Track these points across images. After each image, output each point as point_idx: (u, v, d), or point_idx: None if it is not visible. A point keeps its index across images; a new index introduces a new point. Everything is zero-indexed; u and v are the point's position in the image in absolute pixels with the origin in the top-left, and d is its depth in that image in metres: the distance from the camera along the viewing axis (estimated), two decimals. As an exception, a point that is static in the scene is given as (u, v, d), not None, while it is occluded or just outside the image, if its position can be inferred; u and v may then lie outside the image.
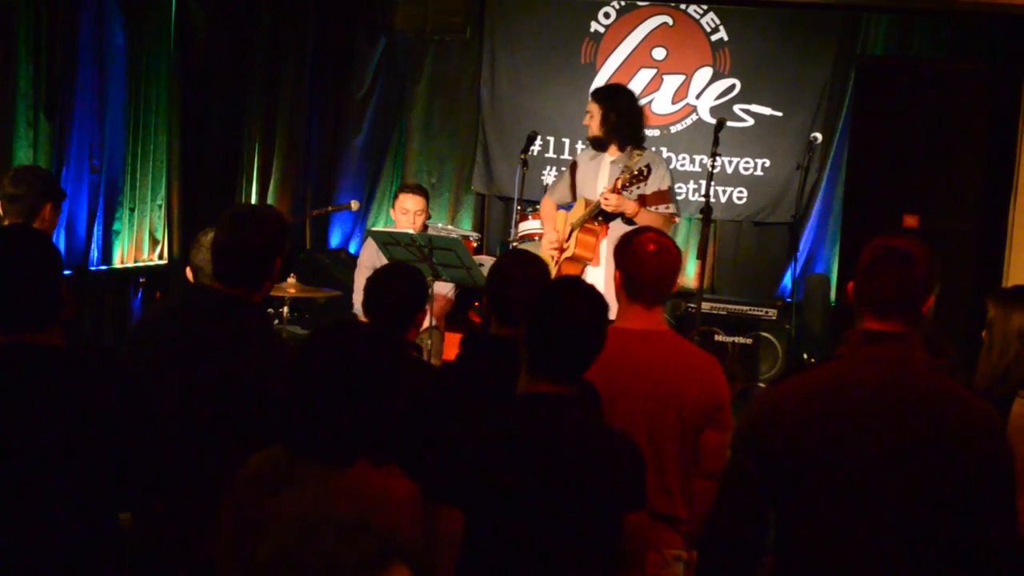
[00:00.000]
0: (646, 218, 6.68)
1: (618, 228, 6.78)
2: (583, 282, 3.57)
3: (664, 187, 6.88)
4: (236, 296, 3.82)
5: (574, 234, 6.92)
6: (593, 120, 6.97)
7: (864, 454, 2.97)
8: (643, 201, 6.79)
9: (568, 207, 7.23)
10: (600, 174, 7.03)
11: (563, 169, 7.47)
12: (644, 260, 4.14)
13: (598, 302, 3.37)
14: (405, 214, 7.45)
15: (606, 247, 6.87)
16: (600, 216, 6.85)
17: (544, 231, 7.28)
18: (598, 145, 7.02)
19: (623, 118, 7.03)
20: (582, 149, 7.26)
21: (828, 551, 3.01)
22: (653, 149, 9.94)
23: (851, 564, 2.99)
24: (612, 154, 7.01)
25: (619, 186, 6.66)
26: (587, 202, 6.96)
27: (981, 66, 8.17)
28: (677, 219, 7.08)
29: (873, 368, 3.05)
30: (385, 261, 6.56)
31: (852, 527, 2.98)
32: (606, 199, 6.68)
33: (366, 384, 2.81)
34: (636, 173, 6.64)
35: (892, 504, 2.96)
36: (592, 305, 3.36)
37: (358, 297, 7.53)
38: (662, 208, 6.85)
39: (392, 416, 2.86)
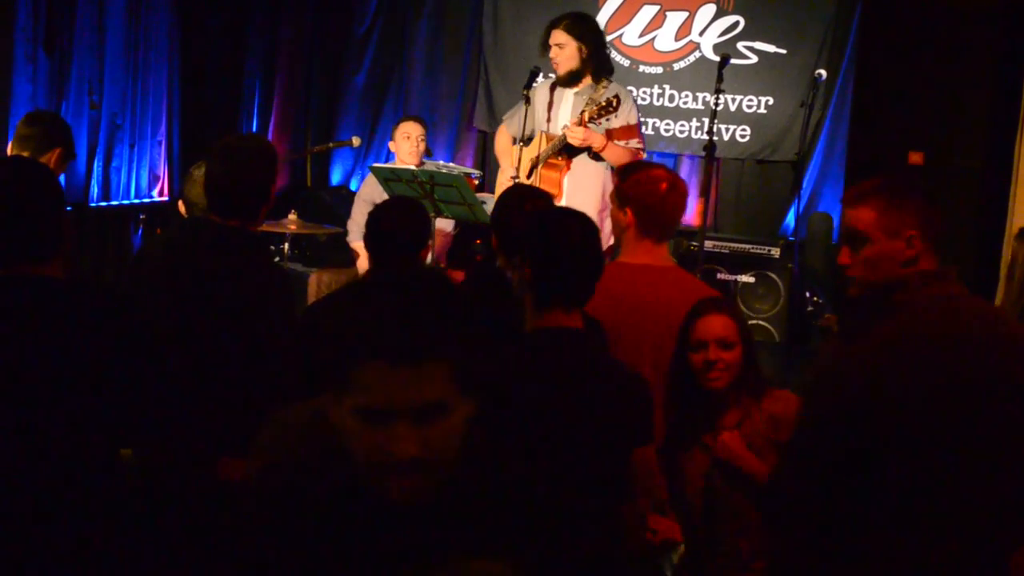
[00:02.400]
0: (614, 152, 6.55)
1: (582, 163, 6.70)
2: (569, 208, 3.57)
3: (632, 121, 6.70)
4: (234, 227, 3.82)
5: (537, 170, 6.75)
6: (565, 52, 6.70)
7: (966, 399, 2.89)
8: (610, 135, 6.60)
9: (527, 141, 6.99)
10: (563, 107, 6.83)
11: (521, 101, 7.17)
12: (661, 197, 4.15)
13: (589, 223, 3.38)
14: (407, 139, 7.45)
15: (568, 183, 6.75)
16: (564, 151, 6.68)
17: (501, 165, 7.12)
18: (570, 80, 6.78)
19: (597, 48, 6.83)
20: (540, 82, 7.03)
21: (924, 502, 2.91)
22: (655, 87, 9.96)
23: (950, 514, 2.90)
24: (577, 86, 6.80)
25: (586, 119, 6.47)
26: (549, 136, 6.78)
27: (989, 2, 8.10)
28: (643, 154, 6.82)
29: (944, 309, 2.98)
30: (385, 196, 6.54)
31: (951, 472, 2.89)
32: (573, 133, 6.49)
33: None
34: (604, 104, 6.44)
35: (988, 444, 2.89)
36: (584, 226, 3.36)
37: (354, 227, 7.53)
38: (631, 143, 6.67)
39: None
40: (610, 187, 6.83)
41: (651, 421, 3.34)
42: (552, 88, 6.87)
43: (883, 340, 2.97)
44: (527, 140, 6.91)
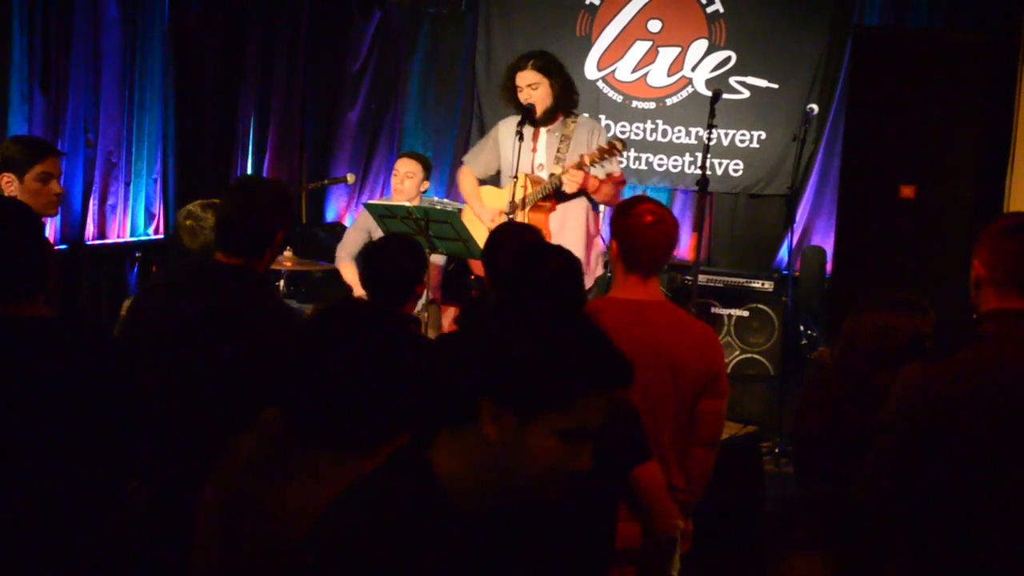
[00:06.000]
0: (604, 191, 6.60)
1: (566, 203, 6.68)
2: (550, 244, 3.59)
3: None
4: (237, 267, 3.81)
5: (524, 212, 6.63)
6: (539, 91, 6.63)
7: None
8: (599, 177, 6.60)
9: (494, 180, 6.96)
10: (537, 146, 6.75)
11: (485, 139, 7.20)
12: (642, 231, 4.13)
13: (569, 259, 3.40)
14: (395, 176, 7.53)
15: (553, 222, 6.68)
16: (555, 194, 6.63)
17: (471, 205, 7.01)
18: (546, 119, 6.71)
19: (567, 85, 6.79)
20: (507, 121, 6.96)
21: (987, 528, 3.03)
22: (648, 122, 10.01)
23: (1007, 545, 3.00)
24: (550, 124, 6.74)
25: (587, 163, 6.44)
26: (534, 179, 6.67)
27: (978, 36, 8.15)
28: (622, 176, 6.86)
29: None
30: (378, 228, 6.59)
31: (1010, 507, 3.00)
32: (572, 177, 6.46)
33: (387, 368, 2.71)
34: (607, 148, 6.44)
35: None
36: (562, 261, 3.39)
37: (343, 252, 7.59)
38: (615, 173, 6.69)
39: (409, 397, 2.81)
40: (592, 222, 6.86)
41: (645, 437, 3.36)
42: (519, 127, 6.77)
43: (954, 364, 3.09)
44: (496, 180, 6.91)
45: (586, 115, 7.58)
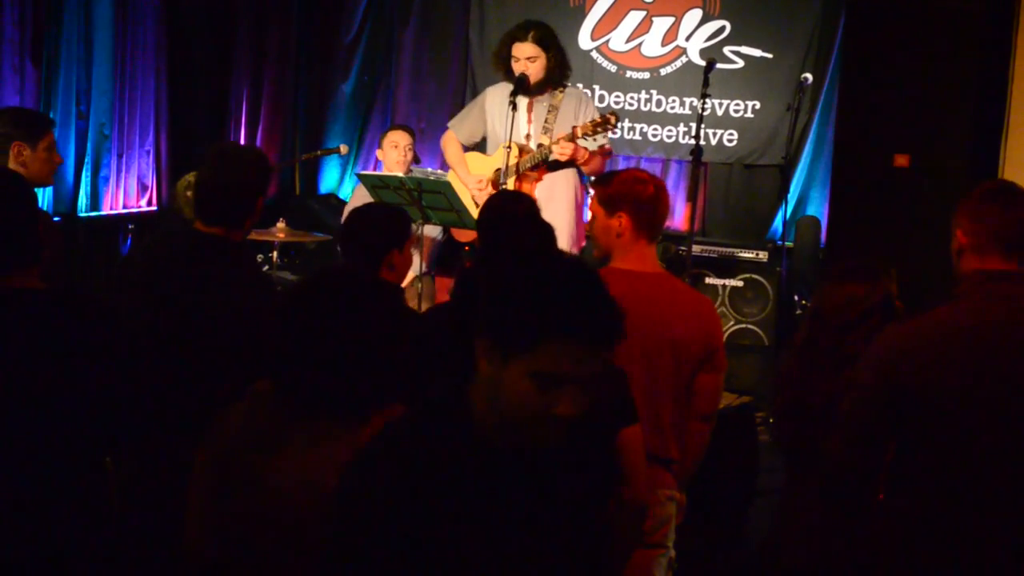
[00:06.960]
0: (594, 163, 6.60)
1: (555, 174, 6.67)
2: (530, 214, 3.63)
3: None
4: (216, 236, 3.79)
5: (511, 181, 6.62)
6: (537, 64, 6.62)
7: (1000, 392, 3.08)
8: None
9: (479, 147, 6.94)
10: (521, 115, 6.68)
11: (472, 105, 7.17)
12: (655, 198, 4.16)
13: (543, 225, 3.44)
14: (395, 148, 7.45)
15: (540, 192, 6.57)
16: (543, 163, 6.61)
17: (456, 171, 7.01)
18: (539, 89, 6.70)
19: (561, 57, 6.78)
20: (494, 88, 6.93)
21: (955, 485, 3.11)
22: (643, 92, 9.98)
23: (978, 500, 3.08)
24: (541, 95, 6.73)
25: (579, 134, 6.43)
26: (522, 148, 6.66)
27: (974, 3, 8.10)
28: (609, 147, 6.80)
29: (1003, 307, 3.15)
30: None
31: (982, 462, 3.08)
32: (562, 149, 6.44)
33: (376, 336, 2.70)
34: (601, 121, 6.41)
35: (1011, 439, 3.07)
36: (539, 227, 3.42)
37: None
38: (604, 145, 6.66)
39: (398, 365, 2.80)
40: (580, 193, 6.84)
41: (631, 400, 3.38)
42: (512, 97, 6.71)
43: (925, 322, 3.19)
44: (482, 147, 6.90)
45: (579, 86, 7.53)
